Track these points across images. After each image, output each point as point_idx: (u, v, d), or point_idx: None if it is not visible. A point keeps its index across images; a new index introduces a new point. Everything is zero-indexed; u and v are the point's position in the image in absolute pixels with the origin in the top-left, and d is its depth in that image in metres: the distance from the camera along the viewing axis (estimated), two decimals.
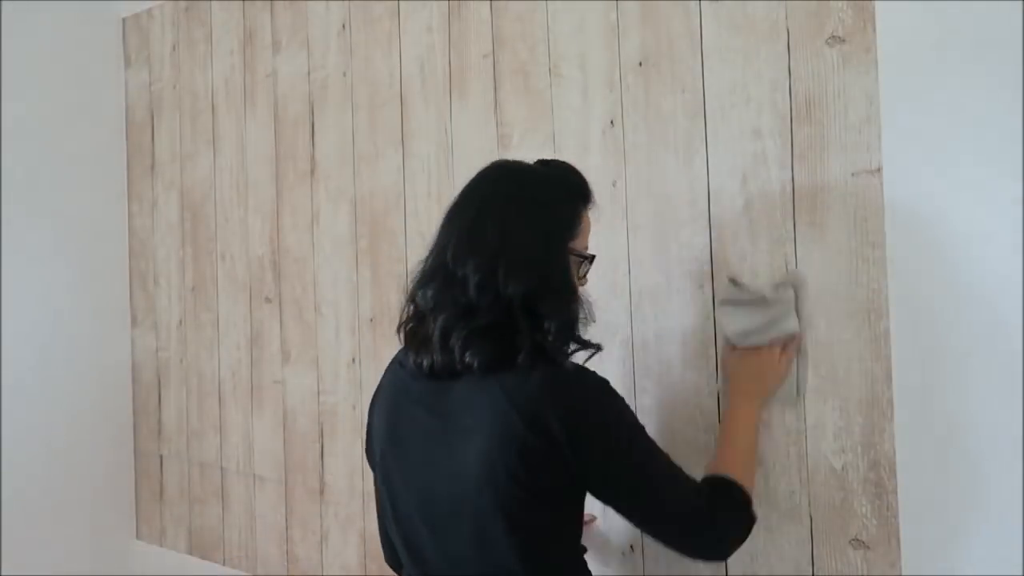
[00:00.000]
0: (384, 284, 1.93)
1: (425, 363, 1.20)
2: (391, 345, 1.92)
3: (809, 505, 1.37)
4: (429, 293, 1.18)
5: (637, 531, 1.54)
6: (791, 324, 1.34)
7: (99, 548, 2.47)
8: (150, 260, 2.51)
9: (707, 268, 1.47)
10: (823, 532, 1.35)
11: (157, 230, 2.48)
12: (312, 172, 2.07)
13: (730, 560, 1.44)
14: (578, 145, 1.62)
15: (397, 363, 1.31)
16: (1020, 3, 1.18)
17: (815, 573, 1.36)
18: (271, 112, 2.17)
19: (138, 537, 2.56)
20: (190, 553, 2.42)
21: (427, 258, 1.20)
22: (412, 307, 1.23)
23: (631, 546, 1.56)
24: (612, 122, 1.58)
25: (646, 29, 1.54)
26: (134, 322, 2.57)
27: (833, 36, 1.34)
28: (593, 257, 1.24)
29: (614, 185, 1.57)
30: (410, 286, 1.22)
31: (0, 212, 2.30)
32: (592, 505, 1.29)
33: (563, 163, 1.31)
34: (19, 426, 2.29)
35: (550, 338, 1.15)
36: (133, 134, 2.55)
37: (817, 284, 1.36)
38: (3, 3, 2.32)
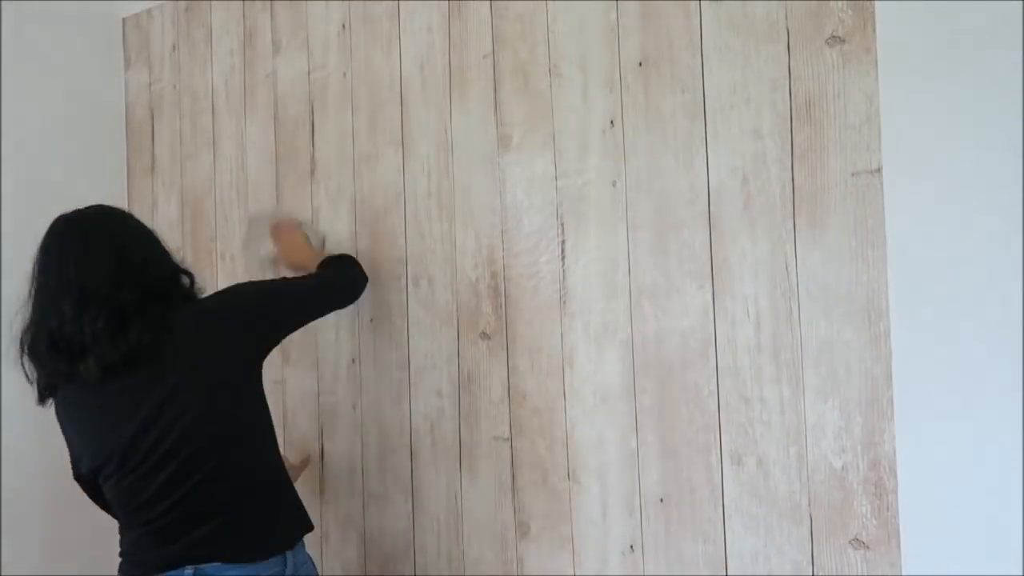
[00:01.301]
0: (384, 284, 1.93)
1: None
2: (391, 345, 1.93)
3: (809, 505, 1.37)
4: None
5: (637, 531, 1.54)
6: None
7: (100, 548, 2.46)
8: None
9: (707, 268, 1.47)
10: (823, 532, 1.36)
11: (157, 230, 2.48)
12: (312, 172, 2.07)
13: (730, 560, 1.44)
14: (578, 145, 1.62)
15: None
16: (1020, 3, 1.18)
17: (815, 573, 1.36)
18: (271, 112, 2.17)
19: None
20: None
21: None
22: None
23: (631, 546, 1.56)
24: (612, 122, 1.58)
25: (646, 29, 1.54)
26: None
27: (833, 36, 1.34)
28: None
29: (614, 185, 1.57)
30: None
31: (0, 212, 2.30)
32: None
33: None
34: (20, 428, 2.28)
35: None
36: (133, 134, 2.55)
37: (817, 284, 1.36)
38: (3, 3, 2.32)
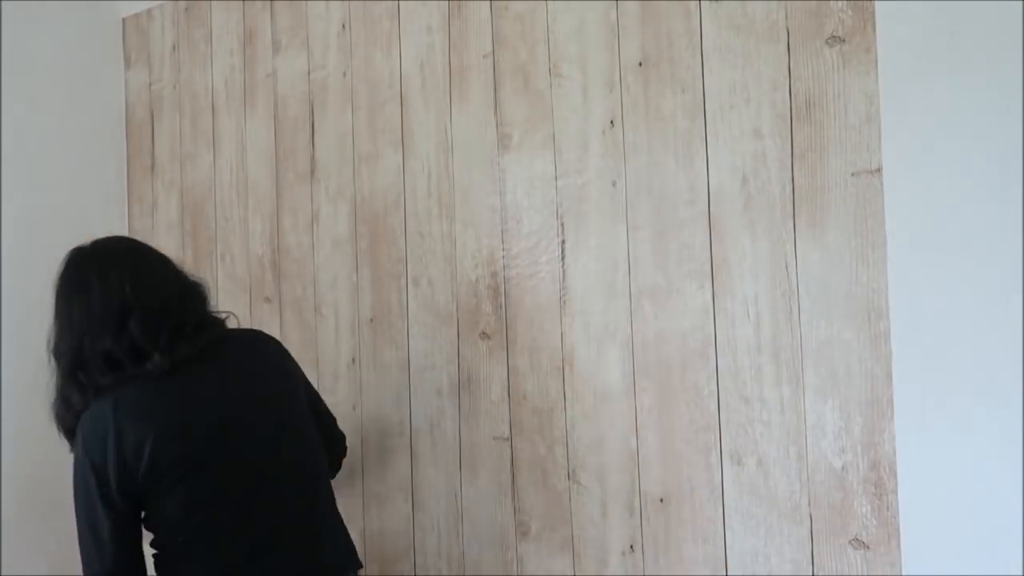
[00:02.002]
0: (384, 284, 1.93)
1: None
2: (391, 345, 1.93)
3: (809, 505, 1.37)
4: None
5: (637, 531, 1.55)
6: None
7: None
8: None
9: (707, 268, 1.47)
10: (823, 532, 1.36)
11: (157, 230, 2.48)
12: (312, 172, 2.07)
13: (730, 560, 1.44)
14: (578, 145, 1.62)
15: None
16: (1020, 3, 1.18)
17: (815, 573, 1.36)
18: (271, 112, 2.17)
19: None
20: None
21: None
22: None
23: (631, 546, 1.56)
24: (612, 122, 1.58)
25: (646, 29, 1.54)
26: None
27: (833, 36, 1.34)
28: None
29: (614, 185, 1.57)
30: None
31: (0, 212, 2.30)
32: None
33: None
34: (20, 429, 2.28)
35: None
36: (133, 134, 2.55)
37: (817, 284, 1.36)
38: (3, 3, 2.32)
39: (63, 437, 1.47)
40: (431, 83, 1.85)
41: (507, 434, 1.73)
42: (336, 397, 2.02)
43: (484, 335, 1.76)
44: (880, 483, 1.30)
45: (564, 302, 1.64)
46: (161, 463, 1.38)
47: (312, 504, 1.52)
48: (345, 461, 2.03)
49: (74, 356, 1.43)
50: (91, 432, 1.40)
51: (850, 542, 1.33)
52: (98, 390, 1.41)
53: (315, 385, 2.08)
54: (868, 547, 1.31)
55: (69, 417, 1.44)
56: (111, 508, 1.40)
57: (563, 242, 1.64)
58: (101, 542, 1.41)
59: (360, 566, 1.59)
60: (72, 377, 1.43)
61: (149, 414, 1.41)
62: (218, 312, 1.56)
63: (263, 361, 1.56)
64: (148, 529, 1.46)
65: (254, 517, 1.45)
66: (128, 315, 1.42)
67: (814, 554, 1.37)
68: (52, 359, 1.47)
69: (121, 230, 2.58)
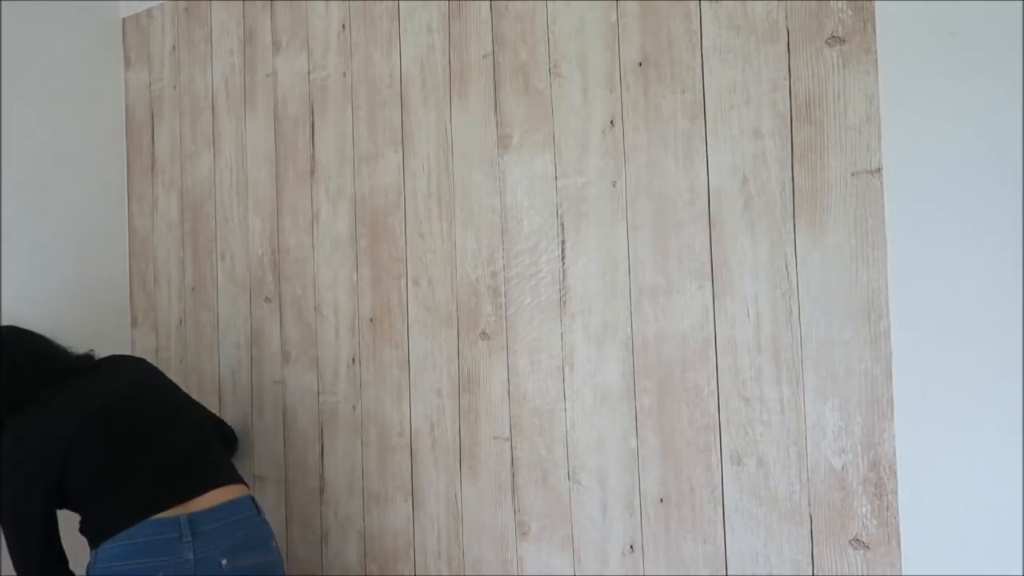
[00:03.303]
0: (384, 284, 1.93)
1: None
2: (391, 345, 1.93)
3: (809, 505, 1.37)
4: None
5: (637, 531, 1.55)
6: None
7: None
8: (150, 260, 2.51)
9: (707, 268, 1.47)
10: (823, 532, 1.36)
11: (157, 230, 2.48)
12: (312, 172, 2.07)
13: (730, 560, 1.44)
14: (578, 145, 1.62)
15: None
16: (1020, 3, 1.18)
17: (815, 573, 1.36)
18: (271, 112, 2.17)
19: None
20: None
21: None
22: None
23: (631, 546, 1.56)
24: (612, 122, 1.58)
25: (646, 29, 1.54)
26: (134, 322, 2.57)
27: (833, 36, 1.34)
28: None
29: (614, 185, 1.57)
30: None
31: (0, 212, 2.30)
32: None
33: None
34: None
35: None
36: (133, 134, 2.55)
37: (817, 284, 1.36)
38: (3, 3, 2.32)
39: None
40: (431, 83, 1.85)
41: (507, 434, 1.73)
42: (336, 397, 2.03)
43: (484, 335, 1.76)
44: (880, 483, 1.30)
45: (564, 302, 1.64)
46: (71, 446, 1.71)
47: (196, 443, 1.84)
48: (345, 461, 2.03)
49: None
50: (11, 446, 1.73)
51: (850, 542, 1.33)
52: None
53: (315, 385, 2.09)
54: (868, 547, 1.31)
55: None
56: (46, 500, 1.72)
57: (563, 242, 1.64)
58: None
59: (245, 484, 1.83)
60: None
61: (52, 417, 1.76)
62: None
63: (129, 365, 1.97)
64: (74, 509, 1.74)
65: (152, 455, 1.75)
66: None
67: (814, 554, 1.37)
68: None
69: (121, 230, 2.58)
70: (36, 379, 1.80)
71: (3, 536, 1.75)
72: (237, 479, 1.81)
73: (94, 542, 1.67)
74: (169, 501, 1.67)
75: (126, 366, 1.94)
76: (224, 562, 1.67)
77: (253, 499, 1.81)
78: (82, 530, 1.71)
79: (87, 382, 1.83)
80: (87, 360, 1.93)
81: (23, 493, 1.68)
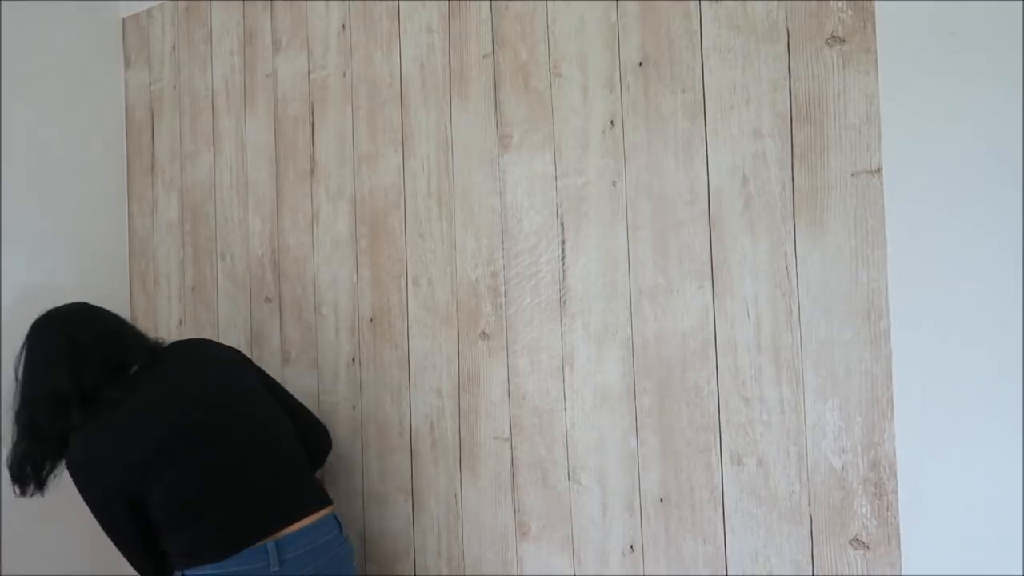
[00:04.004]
0: (384, 284, 1.93)
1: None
2: (391, 345, 1.93)
3: (809, 505, 1.37)
4: None
5: (637, 531, 1.55)
6: None
7: (103, 547, 2.46)
8: (150, 260, 2.51)
9: (707, 268, 1.47)
10: (823, 532, 1.36)
11: (157, 230, 2.48)
12: (312, 172, 2.07)
13: (730, 560, 1.44)
14: (578, 145, 1.62)
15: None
16: (1020, 3, 1.18)
17: (815, 573, 1.36)
18: (271, 112, 2.17)
19: None
20: None
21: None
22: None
23: (631, 546, 1.56)
24: (612, 122, 1.58)
25: (646, 29, 1.54)
26: (134, 322, 2.57)
27: (833, 36, 1.34)
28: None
29: (614, 185, 1.57)
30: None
31: (0, 212, 2.30)
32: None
33: None
34: None
35: None
36: (133, 134, 2.55)
37: (817, 284, 1.36)
38: (3, 3, 2.32)
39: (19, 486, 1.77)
40: (431, 83, 1.85)
41: (507, 434, 1.73)
42: (336, 397, 2.03)
43: (484, 335, 1.76)
44: (880, 483, 1.30)
45: (564, 302, 1.64)
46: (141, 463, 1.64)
47: (275, 461, 1.74)
48: (346, 461, 2.03)
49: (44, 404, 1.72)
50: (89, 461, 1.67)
51: (850, 542, 1.33)
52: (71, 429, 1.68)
53: (316, 385, 2.08)
54: (868, 547, 1.31)
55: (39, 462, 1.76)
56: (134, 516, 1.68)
57: (563, 242, 1.64)
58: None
59: (330, 502, 1.77)
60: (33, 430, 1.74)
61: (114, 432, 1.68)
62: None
63: (204, 361, 1.81)
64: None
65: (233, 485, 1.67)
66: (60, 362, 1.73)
67: (814, 554, 1.37)
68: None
69: (121, 230, 2.58)
70: (104, 369, 1.71)
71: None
72: (324, 500, 1.75)
73: (178, 564, 1.65)
74: (261, 534, 1.63)
75: (208, 357, 1.81)
76: None
77: (336, 516, 1.76)
78: (163, 545, 1.69)
79: (161, 383, 1.72)
80: (158, 348, 1.81)
81: (108, 522, 1.68)
